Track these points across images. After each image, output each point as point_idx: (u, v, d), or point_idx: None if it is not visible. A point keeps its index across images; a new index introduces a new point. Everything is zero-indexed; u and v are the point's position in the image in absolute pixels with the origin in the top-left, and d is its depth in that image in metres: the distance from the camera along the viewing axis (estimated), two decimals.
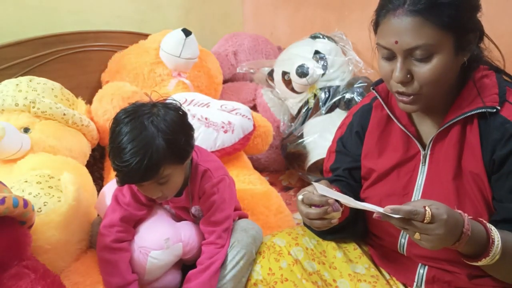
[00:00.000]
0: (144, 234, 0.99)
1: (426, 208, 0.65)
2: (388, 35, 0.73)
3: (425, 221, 0.65)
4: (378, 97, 0.87)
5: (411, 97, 0.76)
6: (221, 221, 0.97)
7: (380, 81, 0.89)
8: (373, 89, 0.89)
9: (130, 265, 0.96)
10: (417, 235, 0.67)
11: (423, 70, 0.73)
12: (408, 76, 0.74)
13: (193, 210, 1.03)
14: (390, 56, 0.75)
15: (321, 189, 0.73)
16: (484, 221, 0.71)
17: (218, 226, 0.96)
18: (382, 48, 0.75)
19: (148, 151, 0.82)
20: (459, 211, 0.69)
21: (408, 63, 0.73)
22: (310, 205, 0.76)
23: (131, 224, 0.99)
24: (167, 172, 0.87)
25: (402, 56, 0.73)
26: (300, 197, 0.77)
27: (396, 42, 0.72)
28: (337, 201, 0.74)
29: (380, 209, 0.67)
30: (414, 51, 0.72)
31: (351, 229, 0.92)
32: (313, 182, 0.76)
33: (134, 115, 0.86)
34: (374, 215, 0.67)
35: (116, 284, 0.92)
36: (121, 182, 0.87)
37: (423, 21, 0.70)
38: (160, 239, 0.97)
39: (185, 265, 1.06)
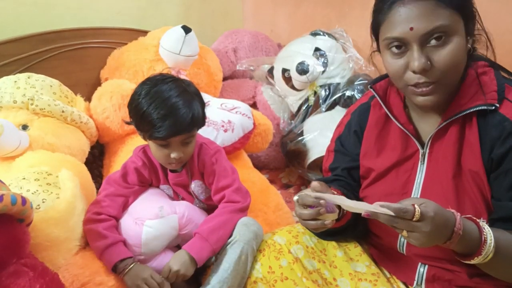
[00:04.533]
0: (138, 206, 1.04)
1: (416, 206, 0.65)
2: (400, 24, 0.71)
3: (414, 219, 0.65)
4: (376, 95, 0.87)
5: (432, 86, 0.73)
6: (228, 184, 1.03)
7: (378, 79, 0.89)
8: (371, 87, 0.88)
9: (117, 231, 1.00)
10: (404, 233, 0.67)
11: (442, 54, 0.71)
12: (428, 63, 0.72)
13: (192, 186, 1.07)
14: (402, 50, 0.73)
15: (314, 193, 0.73)
16: (478, 220, 0.71)
17: (227, 188, 1.02)
18: (393, 41, 0.73)
19: (193, 105, 0.94)
20: (452, 210, 0.69)
21: (425, 50, 0.72)
22: (305, 206, 0.75)
23: (117, 201, 1.03)
24: (194, 132, 0.98)
25: (418, 43, 0.71)
26: (295, 198, 0.77)
27: (412, 29, 0.70)
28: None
29: (370, 206, 0.67)
30: (431, 36, 0.70)
31: (352, 231, 0.92)
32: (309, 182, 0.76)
33: (171, 78, 0.97)
34: (363, 213, 0.67)
35: (100, 247, 0.95)
36: (164, 133, 0.91)
37: (435, 3, 0.69)
38: (154, 208, 1.01)
39: None
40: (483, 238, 0.69)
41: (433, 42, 0.71)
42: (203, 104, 0.99)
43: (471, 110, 0.76)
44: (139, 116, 0.95)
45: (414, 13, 0.70)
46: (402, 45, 0.73)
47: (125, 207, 1.05)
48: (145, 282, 0.91)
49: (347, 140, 0.94)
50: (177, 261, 0.92)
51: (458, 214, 0.69)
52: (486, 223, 0.73)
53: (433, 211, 0.65)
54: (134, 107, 0.96)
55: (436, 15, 0.69)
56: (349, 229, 0.90)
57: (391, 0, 0.72)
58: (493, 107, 0.74)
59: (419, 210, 0.64)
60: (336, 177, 0.94)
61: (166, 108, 0.91)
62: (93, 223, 0.98)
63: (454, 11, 0.70)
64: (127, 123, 1.03)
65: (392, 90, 0.87)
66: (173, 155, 0.96)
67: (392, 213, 0.65)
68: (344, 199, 0.70)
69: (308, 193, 0.74)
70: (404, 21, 0.71)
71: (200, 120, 0.97)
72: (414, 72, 0.73)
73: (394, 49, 0.74)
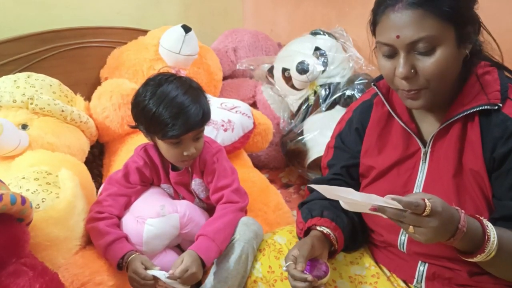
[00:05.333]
0: (140, 205, 1.04)
1: (426, 201, 0.64)
2: (388, 31, 0.72)
3: (424, 214, 0.64)
4: (379, 93, 0.87)
5: (417, 91, 0.75)
6: (227, 184, 1.02)
7: (381, 77, 0.88)
8: (374, 85, 0.88)
9: (119, 229, 1.00)
10: (411, 228, 0.66)
11: (427, 63, 0.72)
12: (412, 71, 0.73)
13: (193, 184, 1.07)
14: (392, 53, 0.74)
15: (321, 189, 0.71)
16: (481, 218, 0.71)
17: (226, 188, 1.02)
18: (383, 46, 0.74)
19: (201, 100, 0.95)
20: (456, 207, 0.69)
21: (411, 58, 0.73)
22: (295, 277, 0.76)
23: (120, 201, 1.03)
24: (204, 127, 0.98)
25: (404, 51, 0.72)
26: (284, 268, 0.78)
27: (398, 37, 0.71)
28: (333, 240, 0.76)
29: (380, 199, 0.66)
30: (417, 44, 0.71)
31: (352, 249, 0.93)
32: (309, 185, 0.76)
33: (173, 76, 0.97)
34: (370, 207, 0.66)
35: (103, 244, 0.95)
36: (178, 131, 0.91)
37: (424, 13, 0.69)
38: (156, 206, 1.01)
39: None
40: (486, 236, 0.68)
41: (419, 49, 0.71)
42: (207, 98, 1.00)
43: (474, 110, 0.76)
44: (149, 118, 0.93)
45: (402, 20, 0.70)
46: (391, 49, 0.74)
47: (127, 207, 1.05)
48: (134, 272, 0.90)
49: (348, 137, 0.94)
50: (194, 263, 0.89)
51: (462, 211, 0.69)
52: None
53: (441, 207, 0.65)
54: (141, 109, 0.95)
55: (423, 25, 0.70)
56: (348, 249, 0.91)
57: (384, 5, 0.73)
58: (496, 107, 0.74)
59: (430, 204, 0.64)
60: (334, 176, 0.93)
61: (177, 106, 0.91)
62: (95, 222, 0.98)
63: (444, 21, 0.70)
64: (133, 127, 1.02)
65: None
66: (186, 153, 0.96)
67: (401, 207, 0.64)
68: (352, 191, 0.69)
69: (296, 271, 0.75)
70: (392, 28, 0.72)
71: (210, 114, 0.98)
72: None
73: (385, 52, 0.75)
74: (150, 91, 0.94)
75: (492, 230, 0.69)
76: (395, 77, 0.76)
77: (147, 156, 1.06)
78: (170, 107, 0.91)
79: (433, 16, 0.69)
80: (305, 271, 0.76)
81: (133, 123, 1.02)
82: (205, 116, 0.96)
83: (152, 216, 1.00)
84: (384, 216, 0.67)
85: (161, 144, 0.98)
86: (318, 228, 0.85)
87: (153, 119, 0.93)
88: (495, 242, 0.68)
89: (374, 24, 0.77)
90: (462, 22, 0.72)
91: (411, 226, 0.66)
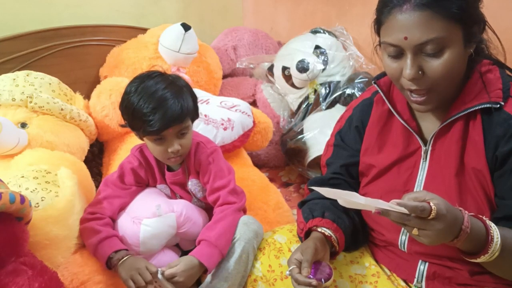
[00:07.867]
0: (136, 205, 1.04)
1: (431, 204, 0.64)
2: (395, 32, 0.71)
3: (430, 217, 0.64)
4: (380, 91, 0.86)
5: (424, 96, 0.74)
6: (223, 185, 1.01)
7: (382, 75, 0.88)
8: (374, 83, 0.88)
9: (113, 229, 1.00)
10: (415, 231, 0.66)
11: (435, 65, 0.71)
12: (420, 72, 0.72)
13: (189, 185, 1.06)
14: (398, 54, 0.73)
15: (324, 192, 0.71)
16: (484, 218, 0.70)
17: (222, 189, 1.01)
18: (389, 46, 0.73)
19: (181, 95, 0.94)
20: (460, 208, 0.68)
21: (418, 59, 0.72)
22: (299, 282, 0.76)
23: (114, 203, 1.02)
24: (187, 123, 0.97)
25: (412, 52, 0.71)
26: (287, 273, 0.77)
27: (406, 38, 0.70)
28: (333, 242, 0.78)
29: (385, 203, 0.66)
30: (425, 46, 0.70)
31: (353, 248, 0.92)
32: (313, 187, 0.75)
33: (157, 73, 0.97)
34: (373, 211, 0.66)
35: (94, 242, 0.95)
36: (156, 125, 0.91)
37: (432, 15, 0.69)
38: (151, 206, 1.00)
39: (184, 253, 1.08)
40: (489, 237, 0.68)
41: (427, 51, 0.71)
42: (193, 96, 0.99)
43: (476, 108, 0.75)
44: (131, 114, 0.94)
45: (410, 22, 0.70)
46: (398, 50, 0.73)
47: (122, 208, 1.05)
48: (139, 272, 0.88)
49: (347, 135, 0.94)
50: (185, 272, 0.90)
51: (466, 212, 0.68)
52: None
53: (445, 209, 0.65)
54: (125, 106, 0.96)
55: (431, 26, 0.69)
56: (349, 249, 0.91)
57: (391, 5, 0.72)
58: (498, 105, 0.74)
59: (435, 208, 0.64)
60: (334, 175, 0.93)
61: (155, 101, 0.91)
62: (87, 222, 0.98)
63: (452, 22, 0.69)
64: (123, 126, 1.02)
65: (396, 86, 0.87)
66: (170, 149, 0.95)
67: (406, 211, 0.64)
68: (356, 195, 0.68)
69: (300, 275, 0.74)
70: (399, 29, 0.71)
71: (190, 109, 0.96)
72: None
73: (390, 53, 0.75)
74: (133, 87, 0.95)
75: (495, 231, 0.69)
76: (401, 78, 0.75)
77: (142, 156, 1.05)
78: (148, 101, 0.91)
79: (441, 18, 0.69)
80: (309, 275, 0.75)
81: None
82: (185, 112, 0.93)
83: (148, 216, 1.00)
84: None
85: (147, 141, 0.99)
86: (319, 229, 0.84)
87: (134, 115, 0.93)
88: (499, 243, 0.68)
89: (378, 24, 0.76)
90: (469, 22, 0.71)
91: (415, 229, 0.66)
